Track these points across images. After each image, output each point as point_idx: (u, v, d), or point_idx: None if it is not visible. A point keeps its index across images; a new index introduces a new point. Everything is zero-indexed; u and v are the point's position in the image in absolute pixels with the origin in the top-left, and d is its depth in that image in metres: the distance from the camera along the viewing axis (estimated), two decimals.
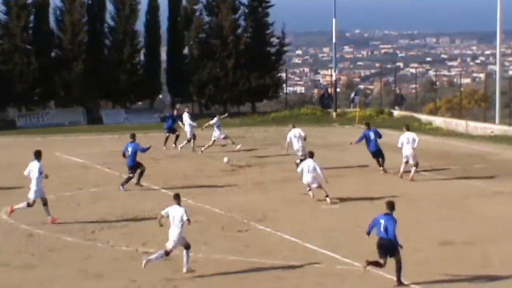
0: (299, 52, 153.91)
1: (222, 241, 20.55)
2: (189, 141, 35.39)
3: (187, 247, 17.70)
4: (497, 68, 45.83)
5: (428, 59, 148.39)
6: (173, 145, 36.11)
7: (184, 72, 49.73)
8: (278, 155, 32.89)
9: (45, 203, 22.27)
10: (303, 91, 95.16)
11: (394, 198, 25.19)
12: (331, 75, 52.71)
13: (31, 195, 22.19)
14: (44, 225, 21.96)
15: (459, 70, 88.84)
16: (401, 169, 28.74)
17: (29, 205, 22.19)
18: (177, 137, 36.29)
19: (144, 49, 50.40)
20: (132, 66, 49.20)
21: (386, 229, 16.82)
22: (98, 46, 48.89)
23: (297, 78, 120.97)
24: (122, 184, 26.83)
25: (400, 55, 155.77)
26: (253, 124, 45.61)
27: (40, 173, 22.08)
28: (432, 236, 20.76)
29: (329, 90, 53.54)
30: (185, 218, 17.56)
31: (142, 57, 50.57)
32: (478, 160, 32.63)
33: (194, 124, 35.79)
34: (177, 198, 17.90)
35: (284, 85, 53.58)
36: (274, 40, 52.43)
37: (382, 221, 16.95)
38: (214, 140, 34.61)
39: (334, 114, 48.96)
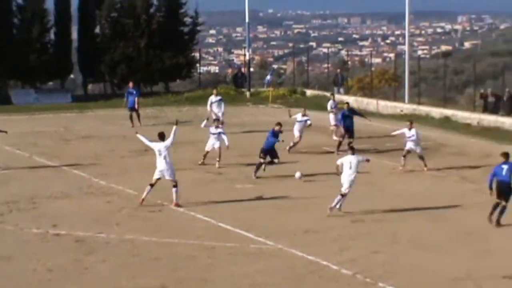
0: (212, 31, 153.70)
1: (135, 221, 20.42)
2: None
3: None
4: (406, 48, 46.60)
5: (340, 39, 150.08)
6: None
7: (96, 52, 49.00)
8: (191, 135, 32.78)
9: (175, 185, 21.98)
10: (217, 71, 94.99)
11: (305, 177, 25.57)
12: (245, 55, 52.71)
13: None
14: None
15: (370, 50, 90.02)
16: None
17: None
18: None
19: (54, 28, 49.46)
20: (41, 45, 48.16)
21: (509, 174, 19.00)
22: (6, 25, 47.64)
23: (211, 58, 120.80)
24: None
25: (312, 35, 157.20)
26: (166, 104, 45.28)
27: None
28: (343, 213, 21.04)
29: (243, 69, 53.60)
30: (363, 158, 21.43)
31: (52, 36, 49.62)
32: (388, 139, 33.15)
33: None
34: (352, 149, 21.52)
35: (198, 65, 53.33)
36: (188, 20, 52.09)
37: (505, 167, 19.23)
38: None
39: (247, 93, 49.06)
